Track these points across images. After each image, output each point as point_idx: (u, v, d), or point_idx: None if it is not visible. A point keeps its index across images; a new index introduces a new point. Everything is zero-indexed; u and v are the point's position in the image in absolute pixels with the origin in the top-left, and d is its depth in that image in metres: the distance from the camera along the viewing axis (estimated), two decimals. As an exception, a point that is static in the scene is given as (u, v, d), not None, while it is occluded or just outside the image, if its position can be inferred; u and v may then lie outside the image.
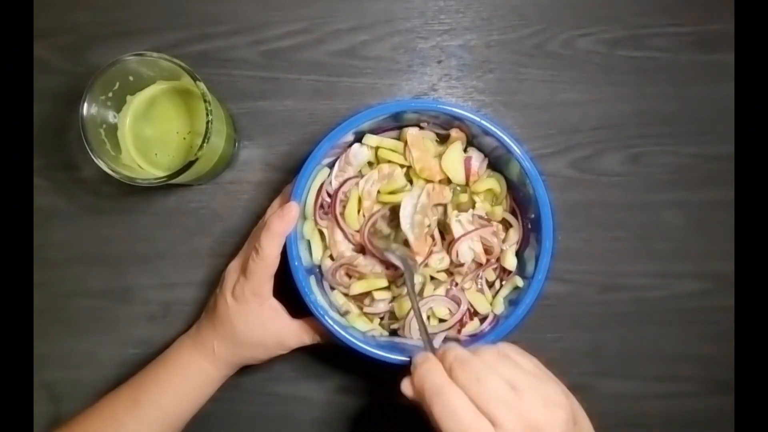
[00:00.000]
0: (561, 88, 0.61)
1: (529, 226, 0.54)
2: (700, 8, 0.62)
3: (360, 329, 0.55)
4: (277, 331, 0.54)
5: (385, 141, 0.55)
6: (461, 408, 0.37)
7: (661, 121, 0.62)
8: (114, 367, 0.61)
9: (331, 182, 0.55)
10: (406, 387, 0.41)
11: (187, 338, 0.55)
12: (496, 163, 0.56)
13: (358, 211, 0.55)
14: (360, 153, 0.54)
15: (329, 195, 0.55)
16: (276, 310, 0.53)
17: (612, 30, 0.62)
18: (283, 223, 0.51)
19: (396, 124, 0.55)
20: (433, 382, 0.39)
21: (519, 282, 0.54)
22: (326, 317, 0.51)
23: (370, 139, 0.54)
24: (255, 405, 0.61)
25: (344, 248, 0.54)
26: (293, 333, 0.54)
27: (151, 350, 0.58)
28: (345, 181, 0.54)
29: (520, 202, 0.55)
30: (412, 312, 0.53)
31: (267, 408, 0.61)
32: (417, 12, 0.62)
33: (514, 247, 0.55)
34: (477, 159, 0.55)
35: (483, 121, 0.52)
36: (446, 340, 0.54)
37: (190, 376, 0.53)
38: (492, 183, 0.56)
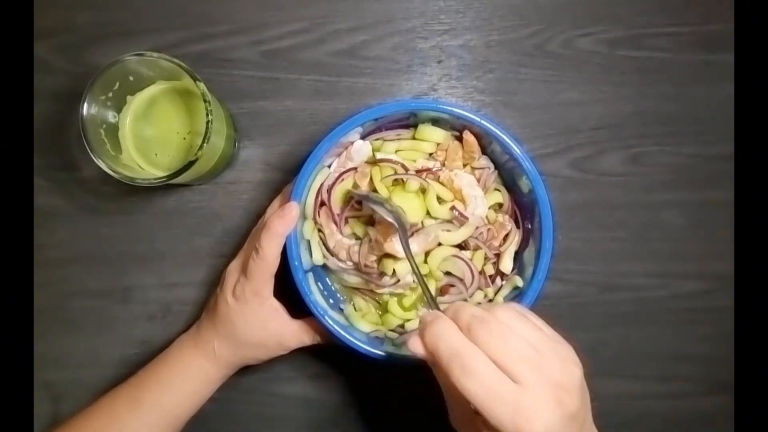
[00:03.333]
0: (561, 88, 0.61)
1: (529, 227, 0.54)
2: (700, 8, 0.62)
3: (362, 329, 0.55)
4: (278, 331, 0.54)
5: (403, 143, 0.56)
6: (483, 368, 0.35)
7: (661, 121, 0.62)
8: (114, 367, 0.61)
9: (331, 180, 0.55)
10: (415, 345, 0.38)
11: (187, 338, 0.55)
12: (507, 171, 0.55)
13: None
14: (362, 149, 0.54)
15: (329, 191, 0.55)
16: (276, 310, 0.53)
17: (612, 30, 0.62)
18: (283, 222, 0.51)
19: (397, 123, 0.55)
20: (449, 342, 0.37)
21: (519, 282, 0.54)
22: (326, 317, 0.51)
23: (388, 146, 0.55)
24: (255, 405, 0.61)
25: (340, 237, 0.54)
26: (293, 333, 0.54)
27: (151, 350, 0.58)
28: (344, 172, 0.54)
29: (520, 203, 0.55)
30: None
31: (267, 408, 0.61)
32: (417, 12, 0.62)
33: (512, 250, 0.55)
34: (486, 173, 0.55)
35: (483, 121, 0.52)
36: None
37: (190, 375, 0.53)
38: (498, 197, 0.56)
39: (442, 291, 0.55)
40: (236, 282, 0.53)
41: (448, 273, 0.55)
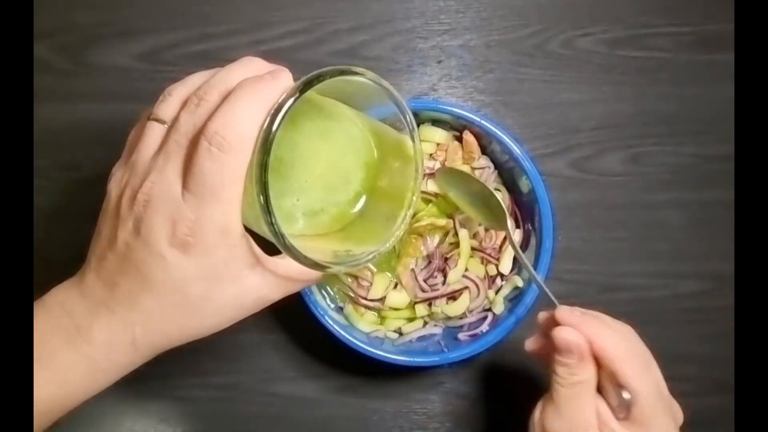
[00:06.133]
0: (561, 88, 0.61)
1: (529, 227, 0.54)
2: (700, 8, 0.62)
3: (362, 329, 0.55)
4: (258, 284, 0.34)
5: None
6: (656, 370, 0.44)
7: (661, 121, 0.62)
8: (114, 367, 0.60)
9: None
10: (569, 335, 0.42)
11: (61, 333, 0.35)
12: (507, 171, 0.55)
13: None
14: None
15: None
16: (252, 249, 0.33)
17: (612, 30, 0.62)
18: (274, 86, 0.31)
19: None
20: (623, 346, 0.42)
21: (519, 282, 0.54)
22: (326, 317, 0.51)
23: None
24: (255, 405, 0.61)
25: None
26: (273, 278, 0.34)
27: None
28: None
29: (520, 203, 0.55)
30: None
31: (267, 408, 0.61)
32: (417, 12, 0.62)
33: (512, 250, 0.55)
34: (486, 173, 0.55)
35: (483, 121, 0.52)
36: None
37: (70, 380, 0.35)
38: (499, 197, 0.56)
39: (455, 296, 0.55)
40: (176, 217, 0.30)
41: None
